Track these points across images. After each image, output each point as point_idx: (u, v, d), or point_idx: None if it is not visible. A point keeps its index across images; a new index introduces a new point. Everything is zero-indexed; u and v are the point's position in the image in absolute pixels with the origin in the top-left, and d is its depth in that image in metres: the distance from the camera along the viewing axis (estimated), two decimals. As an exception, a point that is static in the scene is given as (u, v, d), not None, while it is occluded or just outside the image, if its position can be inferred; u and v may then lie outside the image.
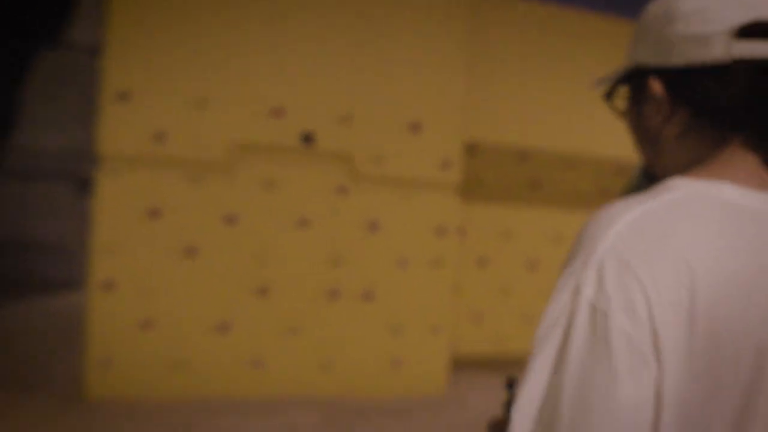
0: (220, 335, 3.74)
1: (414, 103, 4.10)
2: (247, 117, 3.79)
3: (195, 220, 3.71)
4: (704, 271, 0.53)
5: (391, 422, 3.69)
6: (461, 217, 4.31)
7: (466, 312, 4.67)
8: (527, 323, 4.90)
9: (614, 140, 4.98)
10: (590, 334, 0.53)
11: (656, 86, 0.66)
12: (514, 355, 4.99)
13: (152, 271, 3.63)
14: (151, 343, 3.61)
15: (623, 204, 0.59)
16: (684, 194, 0.58)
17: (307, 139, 3.90)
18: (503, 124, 4.65)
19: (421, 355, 4.20)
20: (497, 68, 4.63)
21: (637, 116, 0.71)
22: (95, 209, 3.55)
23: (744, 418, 0.54)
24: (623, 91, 0.76)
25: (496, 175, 4.77)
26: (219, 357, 3.74)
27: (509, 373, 1.00)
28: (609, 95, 0.75)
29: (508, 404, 0.85)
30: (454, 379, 4.40)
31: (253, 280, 3.81)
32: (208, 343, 3.72)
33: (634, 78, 0.70)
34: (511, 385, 0.84)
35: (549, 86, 4.78)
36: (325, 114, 3.92)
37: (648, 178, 0.89)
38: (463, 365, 4.70)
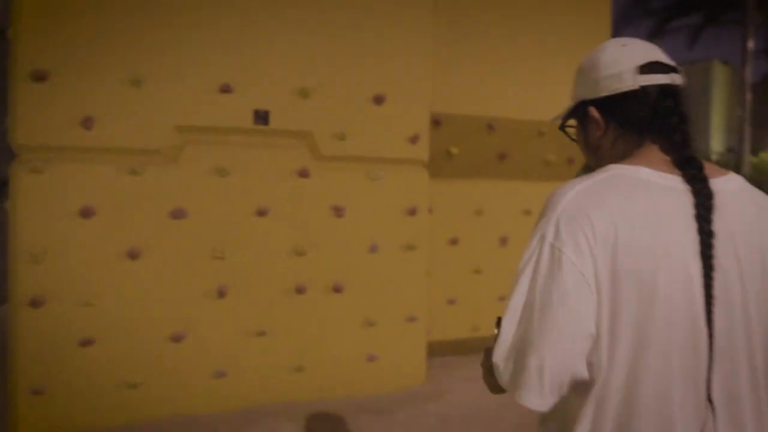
0: (175, 346, 3.29)
1: (377, 74, 3.73)
2: (190, 97, 3.31)
3: (137, 217, 3.23)
4: (621, 220, 0.90)
5: (375, 421, 3.38)
6: (431, 195, 4.00)
7: (439, 296, 4.38)
8: (502, 305, 4.67)
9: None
10: (551, 264, 0.91)
11: (594, 112, 1.07)
12: (491, 340, 4.77)
13: (90, 279, 3.14)
14: (93, 364, 3.13)
15: (573, 181, 0.98)
16: (612, 174, 0.98)
17: (261, 118, 3.47)
18: (468, 96, 4.35)
19: (398, 348, 3.90)
20: (461, 37, 4.32)
21: (584, 135, 1.13)
22: (14, 212, 3.01)
23: (646, 316, 0.88)
24: (571, 122, 1.15)
25: (464, 149, 4.49)
26: (176, 370, 3.30)
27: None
28: (563, 126, 1.19)
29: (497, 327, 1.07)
30: (431, 368, 4.12)
31: (209, 280, 3.37)
32: (163, 356, 3.27)
33: (579, 110, 1.11)
34: (499, 323, 1.02)
35: (514, 56, 4.51)
36: (280, 89, 3.50)
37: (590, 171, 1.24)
38: (438, 352, 4.43)
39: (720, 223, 0.91)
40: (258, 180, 3.47)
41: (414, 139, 3.86)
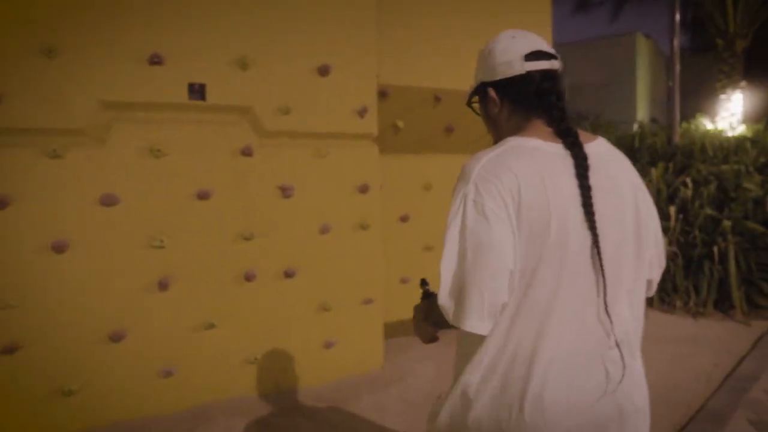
0: (114, 346, 2.98)
1: (321, 43, 3.50)
2: (115, 69, 2.96)
3: (61, 206, 2.87)
4: (522, 176, 1.12)
5: (338, 412, 3.23)
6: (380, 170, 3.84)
7: (393, 276, 4.26)
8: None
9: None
10: (476, 213, 1.12)
11: (491, 92, 1.30)
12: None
13: (8, 278, 2.77)
14: (18, 374, 2.78)
15: (483, 152, 1.20)
16: (510, 145, 1.20)
17: (197, 92, 3.17)
18: (414, 67, 4.20)
19: (355, 332, 3.74)
20: (407, 5, 4.14)
21: (485, 111, 1.36)
22: None
23: (562, 255, 1.12)
24: (475, 100, 1.39)
25: (410, 122, 4.34)
26: (117, 373, 3.00)
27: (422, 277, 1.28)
28: (469, 103, 1.43)
29: (425, 295, 1.46)
30: (388, 351, 4.01)
31: (148, 272, 3.07)
32: (100, 358, 2.95)
33: (480, 90, 1.34)
34: (424, 283, 1.47)
35: (460, 26, 4.38)
36: (216, 61, 3.20)
37: None
38: (393, 334, 4.31)
39: (594, 177, 1.17)
40: (197, 161, 3.18)
41: (362, 112, 3.67)
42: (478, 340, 1.18)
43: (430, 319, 1.35)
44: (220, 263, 3.26)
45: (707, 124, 11.22)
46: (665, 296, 5.56)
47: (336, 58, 3.55)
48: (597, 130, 8.44)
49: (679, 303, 5.45)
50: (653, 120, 14.96)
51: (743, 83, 12.79)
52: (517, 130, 1.26)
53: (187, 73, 3.14)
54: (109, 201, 2.97)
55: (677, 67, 7.13)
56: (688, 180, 5.74)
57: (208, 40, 3.17)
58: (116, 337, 2.98)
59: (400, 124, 4.34)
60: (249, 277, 3.32)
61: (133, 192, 3.02)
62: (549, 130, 1.23)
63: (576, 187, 1.15)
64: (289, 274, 3.45)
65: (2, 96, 2.73)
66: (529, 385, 1.13)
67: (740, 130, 9.27)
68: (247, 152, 3.30)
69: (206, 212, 3.20)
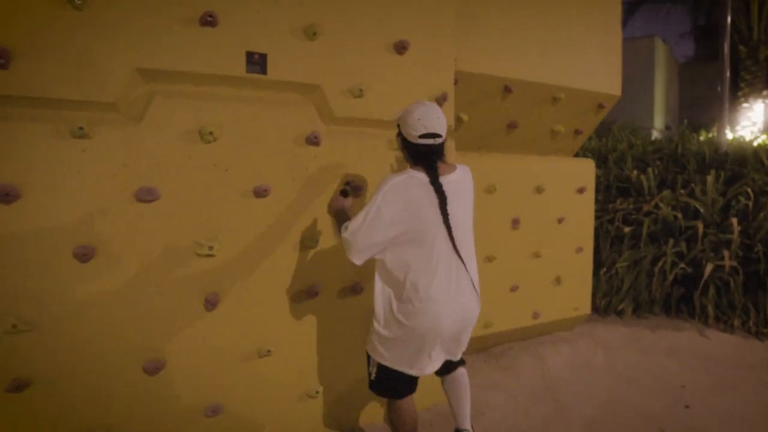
0: (149, 379, 2.34)
1: (397, 15, 2.92)
2: (159, 27, 2.33)
3: (86, 200, 2.23)
4: (410, 194, 2.18)
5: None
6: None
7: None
8: (514, 295, 4.09)
9: (594, 74, 4.25)
10: (376, 212, 2.16)
11: (400, 140, 2.33)
12: (496, 336, 4.18)
13: (20, 293, 2.11)
14: (26, 417, 2.13)
15: (394, 174, 2.22)
16: (408, 174, 2.21)
17: (257, 63, 2.55)
18: (486, 54, 3.63)
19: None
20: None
21: (400, 146, 2.35)
22: None
23: (431, 230, 2.20)
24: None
25: (474, 116, 3.78)
26: (152, 411, 2.36)
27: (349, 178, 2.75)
28: (397, 136, 2.36)
29: (343, 192, 2.61)
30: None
31: (193, 286, 2.44)
32: (132, 394, 2.30)
33: (399, 133, 2.32)
34: (348, 183, 2.69)
35: (535, 15, 3.84)
36: (280, 26, 2.59)
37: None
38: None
39: (448, 192, 2.20)
40: (254, 148, 2.56)
41: (441, 100, 3.10)
42: (396, 275, 2.25)
43: (334, 207, 2.62)
44: (279, 276, 2.65)
45: (728, 134, 10.96)
46: (721, 314, 5.12)
47: (413, 34, 2.97)
48: (622, 133, 8.03)
49: (737, 322, 5.01)
50: (667, 128, 14.71)
51: (766, 92, 12.58)
52: (413, 164, 2.28)
53: (244, 40, 2.52)
54: (146, 196, 2.33)
55: (726, 73, 6.77)
56: (749, 190, 5.32)
57: (270, 0, 2.56)
58: (152, 369, 2.34)
59: (465, 117, 3.78)
60: (312, 294, 2.71)
61: (177, 185, 2.39)
62: (424, 169, 2.23)
63: (436, 198, 2.18)
64: (356, 290, 2.86)
65: (12, 55, 2.08)
66: (423, 291, 2.21)
67: (761, 140, 9.00)
68: (312, 140, 2.69)
69: (263, 212, 2.59)
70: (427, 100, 3.02)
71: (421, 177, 2.18)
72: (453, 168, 2.29)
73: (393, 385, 2.36)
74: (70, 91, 2.19)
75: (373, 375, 2.37)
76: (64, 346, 2.20)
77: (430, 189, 2.17)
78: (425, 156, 2.21)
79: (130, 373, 2.32)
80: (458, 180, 2.27)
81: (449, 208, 2.18)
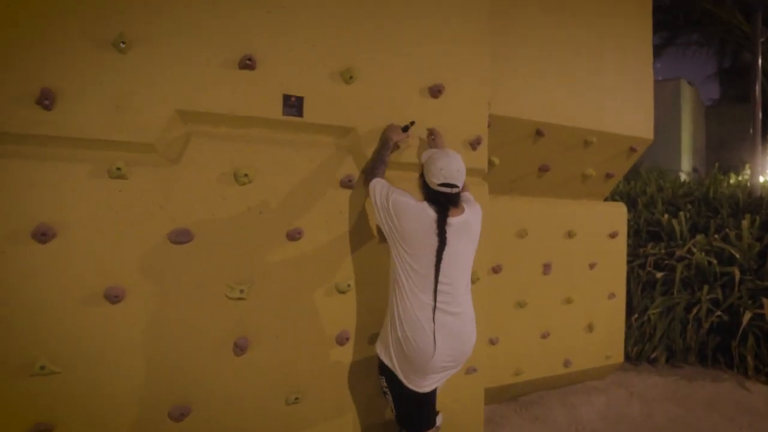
0: (174, 426, 2.27)
1: (433, 59, 2.92)
2: (199, 70, 2.35)
3: (119, 240, 2.22)
4: (420, 221, 2.33)
5: None
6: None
7: (483, 335, 3.59)
8: (545, 342, 3.96)
9: (626, 118, 4.20)
10: (388, 194, 2.38)
11: (421, 181, 2.45)
12: (528, 384, 4.04)
13: (50, 334, 2.08)
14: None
15: (411, 198, 2.39)
16: (423, 205, 2.36)
17: (294, 106, 2.56)
18: (519, 97, 3.61)
19: (455, 402, 3.05)
20: (515, 36, 3.58)
21: (420, 186, 2.46)
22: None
23: (418, 253, 2.33)
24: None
25: (505, 159, 3.74)
26: (176, 463, 2.28)
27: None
28: (420, 178, 2.49)
29: (404, 128, 2.73)
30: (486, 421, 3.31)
31: (223, 330, 2.40)
32: (158, 444, 2.24)
33: (422, 176, 2.45)
34: (413, 122, 2.74)
35: (567, 60, 3.83)
36: (317, 69, 2.60)
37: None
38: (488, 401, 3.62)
39: (452, 228, 2.33)
40: (288, 191, 2.54)
41: (475, 144, 3.07)
42: (394, 304, 2.40)
43: (385, 136, 2.71)
44: (309, 321, 2.59)
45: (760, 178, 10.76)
46: (761, 365, 4.91)
47: (448, 78, 2.97)
48: (650, 176, 7.92)
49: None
50: (695, 170, 14.53)
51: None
52: (426, 199, 2.40)
53: (282, 83, 2.53)
54: (180, 237, 2.31)
55: (758, 114, 6.66)
56: (788, 237, 5.16)
57: (308, 45, 2.58)
58: (178, 414, 2.28)
59: (497, 160, 3.74)
60: (341, 340, 2.65)
61: (210, 227, 2.37)
62: (436, 207, 2.35)
63: (435, 234, 2.31)
64: (386, 337, 2.78)
65: (58, 95, 2.11)
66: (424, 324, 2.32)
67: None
68: (346, 183, 2.67)
69: (296, 256, 2.55)
70: (459, 146, 3.04)
71: (431, 213, 2.32)
72: (462, 210, 2.41)
73: (405, 406, 2.42)
74: (110, 131, 2.21)
75: (391, 404, 2.45)
76: (89, 390, 2.15)
77: (433, 226, 2.31)
78: (439, 202, 2.34)
79: (155, 418, 2.26)
80: (464, 221, 2.39)
81: (446, 252, 2.30)
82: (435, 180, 2.34)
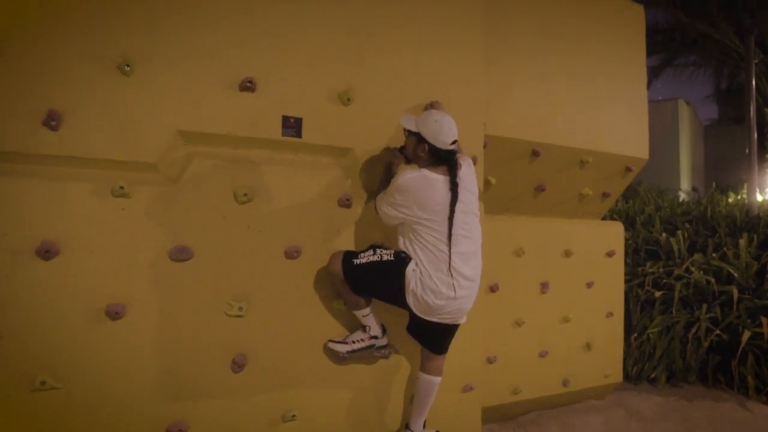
0: (172, 443, 2.29)
1: (429, 80, 2.99)
2: (200, 91, 2.42)
3: (121, 257, 2.26)
4: (422, 187, 2.47)
5: None
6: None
7: (481, 355, 3.60)
8: (543, 361, 3.97)
9: (621, 138, 4.27)
10: (395, 189, 2.46)
11: (425, 144, 2.50)
12: (526, 403, 4.04)
13: (53, 349, 2.12)
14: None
15: (411, 170, 2.50)
16: (424, 173, 2.47)
17: (292, 127, 2.62)
18: (515, 118, 3.68)
19: (451, 424, 3.05)
20: (511, 56, 3.66)
21: (413, 148, 2.56)
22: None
23: (430, 214, 2.46)
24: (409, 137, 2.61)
25: (501, 179, 3.80)
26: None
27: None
28: (407, 137, 2.62)
29: (400, 150, 2.73)
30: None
31: (221, 346, 2.42)
32: (156, 460, 2.25)
33: (417, 136, 2.52)
34: (402, 149, 2.72)
35: (564, 80, 3.90)
36: (315, 91, 2.67)
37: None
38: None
39: (460, 184, 2.49)
40: (287, 209, 2.60)
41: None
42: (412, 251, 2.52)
43: (386, 160, 2.76)
44: (307, 338, 2.62)
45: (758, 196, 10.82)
46: (762, 385, 4.89)
47: (445, 98, 3.03)
48: (649, 195, 7.97)
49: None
50: (694, 189, 14.59)
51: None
52: (426, 165, 2.51)
53: (281, 104, 2.60)
54: (180, 255, 2.36)
55: (754, 135, 6.74)
56: (787, 256, 5.18)
57: (307, 67, 2.65)
58: (177, 431, 2.30)
59: (493, 180, 3.79)
60: (340, 358, 2.67)
61: (210, 245, 2.42)
62: (443, 168, 2.49)
63: (448, 191, 2.45)
64: (385, 355, 2.80)
65: (63, 116, 2.17)
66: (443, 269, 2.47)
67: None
68: (344, 203, 2.72)
69: (294, 274, 2.59)
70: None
71: (434, 177, 2.45)
72: (460, 165, 2.55)
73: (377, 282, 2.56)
74: (114, 151, 2.27)
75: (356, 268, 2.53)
76: (89, 406, 2.18)
77: (444, 187, 2.45)
78: (448, 159, 2.49)
79: (154, 435, 2.28)
80: (465, 175, 2.56)
81: (458, 205, 2.47)
82: (447, 140, 2.47)
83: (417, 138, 2.51)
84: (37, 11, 2.14)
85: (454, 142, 2.50)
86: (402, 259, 2.51)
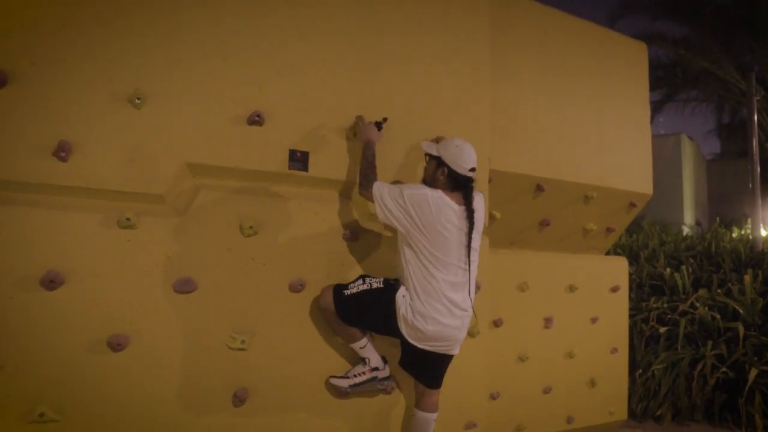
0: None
1: (434, 117, 3.03)
2: (209, 124, 2.45)
3: (126, 288, 2.26)
4: (437, 210, 2.46)
5: None
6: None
7: (484, 390, 3.55)
8: (547, 397, 3.92)
9: (626, 174, 4.29)
10: (410, 196, 2.46)
11: (444, 168, 2.57)
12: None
13: (54, 380, 2.10)
14: None
15: (427, 187, 2.55)
16: (439, 194, 2.50)
17: (299, 161, 2.64)
18: (519, 154, 3.71)
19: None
20: (516, 94, 3.71)
21: (432, 171, 2.63)
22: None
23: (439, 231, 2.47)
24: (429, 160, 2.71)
25: (506, 213, 3.81)
26: None
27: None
28: (428, 162, 2.72)
29: (378, 125, 2.71)
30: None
31: (223, 381, 2.40)
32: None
33: (437, 160, 2.59)
34: (385, 119, 2.76)
35: (568, 116, 3.95)
36: (321, 125, 2.70)
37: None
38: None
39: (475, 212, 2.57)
40: (292, 243, 2.60)
41: (475, 198, 3.13)
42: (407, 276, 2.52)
43: (364, 138, 2.67)
44: (310, 373, 2.59)
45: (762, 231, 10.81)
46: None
47: (450, 134, 3.05)
48: (652, 229, 7.96)
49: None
50: (698, 223, 14.58)
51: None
52: (443, 189, 2.54)
53: (288, 138, 2.62)
54: (184, 287, 2.35)
55: (757, 169, 6.78)
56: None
57: (314, 102, 2.69)
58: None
59: (498, 214, 3.80)
60: (342, 393, 2.64)
61: (214, 277, 2.42)
62: (458, 196, 2.55)
63: (464, 219, 2.51)
64: (387, 390, 2.77)
65: (72, 147, 2.20)
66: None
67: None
68: (349, 236, 2.72)
69: (297, 307, 2.58)
70: (462, 199, 3.10)
71: (450, 203, 2.48)
72: (475, 195, 2.63)
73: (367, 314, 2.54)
74: (122, 183, 2.28)
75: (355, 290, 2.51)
76: (89, 440, 2.15)
77: (460, 215, 2.50)
78: (466, 186, 2.56)
79: None
80: (477, 207, 2.60)
81: (474, 234, 2.54)
82: (466, 166, 2.54)
83: (437, 162, 2.57)
84: (49, 42, 2.19)
85: (473, 170, 2.55)
86: (391, 285, 2.51)
